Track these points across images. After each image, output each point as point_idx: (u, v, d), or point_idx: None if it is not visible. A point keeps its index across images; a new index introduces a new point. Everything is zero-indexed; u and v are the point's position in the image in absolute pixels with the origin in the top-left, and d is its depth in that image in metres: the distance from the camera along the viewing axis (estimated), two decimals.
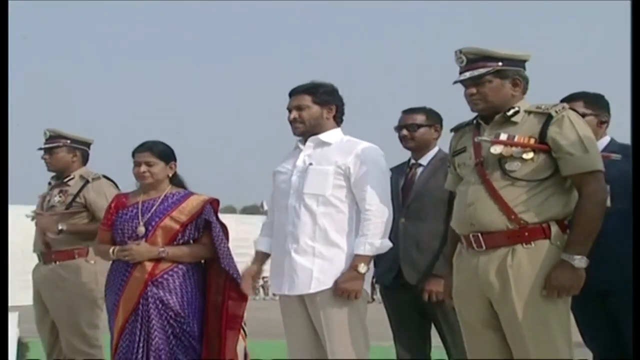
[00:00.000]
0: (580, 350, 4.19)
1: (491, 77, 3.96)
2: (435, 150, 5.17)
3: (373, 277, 4.76)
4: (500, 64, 3.97)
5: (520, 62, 4.05)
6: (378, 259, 4.90)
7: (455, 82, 4.03)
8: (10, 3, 4.89)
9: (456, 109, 4.51)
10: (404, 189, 5.17)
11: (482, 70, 3.95)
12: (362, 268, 4.39)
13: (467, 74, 3.97)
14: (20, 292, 6.59)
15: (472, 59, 3.97)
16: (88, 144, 6.36)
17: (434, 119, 5.16)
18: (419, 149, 5.19)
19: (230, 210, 48.08)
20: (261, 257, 4.77)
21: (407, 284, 4.93)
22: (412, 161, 5.24)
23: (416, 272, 4.79)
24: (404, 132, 5.21)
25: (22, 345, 8.31)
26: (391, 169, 5.13)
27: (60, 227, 5.92)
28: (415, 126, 5.19)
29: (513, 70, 4.01)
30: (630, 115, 3.62)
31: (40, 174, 6.39)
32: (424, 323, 5.11)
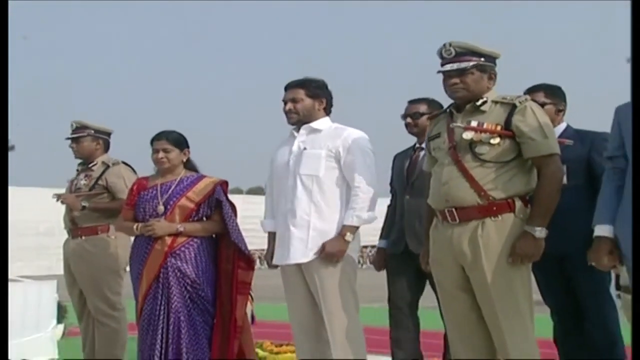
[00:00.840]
0: (540, 308, 4.21)
1: (474, 70, 3.95)
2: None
3: (363, 246, 4.76)
4: (482, 59, 3.98)
5: (495, 59, 4.06)
6: (389, 232, 5.12)
7: (440, 72, 4.01)
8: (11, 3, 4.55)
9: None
10: (409, 169, 5.16)
11: (468, 63, 3.95)
12: (348, 237, 4.40)
13: (455, 65, 3.95)
14: (58, 263, 6.59)
15: (460, 52, 3.96)
16: (109, 134, 6.36)
17: (435, 107, 5.08)
18: (422, 135, 5.10)
19: (238, 191, 48.14)
20: (273, 237, 4.75)
21: (412, 253, 4.90)
22: (417, 145, 5.22)
23: (419, 242, 4.75)
24: (409, 120, 5.23)
25: (60, 308, 8.35)
26: (397, 154, 5.27)
27: (83, 205, 5.95)
28: (419, 114, 5.18)
29: (490, 65, 4.02)
30: (631, 116, 3.52)
31: (70, 162, 6.40)
32: (421, 286, 5.14)
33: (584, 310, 4.80)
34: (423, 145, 5.08)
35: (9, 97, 4.16)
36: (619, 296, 6.53)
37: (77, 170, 6.34)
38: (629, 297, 6.44)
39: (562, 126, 4.81)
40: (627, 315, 6.13)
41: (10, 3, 4.07)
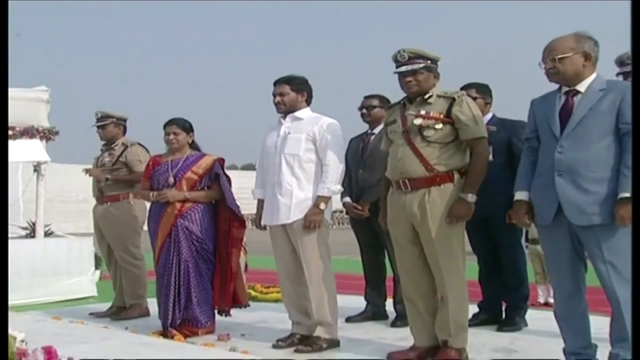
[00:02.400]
0: (470, 257, 4.23)
1: (423, 70, 3.90)
2: (382, 125, 5.01)
3: (334, 211, 4.69)
4: (429, 62, 3.92)
5: (437, 61, 3.99)
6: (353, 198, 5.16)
7: (396, 72, 3.94)
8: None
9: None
10: (362, 150, 5.22)
11: (419, 65, 3.89)
12: (322, 205, 4.32)
13: (409, 67, 3.89)
14: (91, 224, 6.48)
15: (412, 57, 3.90)
16: (126, 120, 6.29)
17: (385, 102, 5.13)
18: (373, 123, 5.24)
19: (234, 167, 47.99)
20: (261, 203, 4.64)
21: (367, 216, 5.04)
22: (369, 131, 5.29)
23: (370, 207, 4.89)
24: (364, 111, 5.29)
25: (97, 258, 8.29)
26: (352, 138, 5.30)
27: (107, 177, 5.97)
28: (372, 107, 5.25)
29: (434, 66, 3.97)
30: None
31: (95, 142, 6.37)
32: (380, 243, 5.17)
33: (501, 258, 4.89)
34: (374, 132, 5.23)
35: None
36: (527, 247, 6.63)
37: (102, 149, 6.28)
38: (534, 246, 6.56)
39: (489, 116, 4.86)
40: (532, 260, 6.28)
41: (10, 3, 3.70)
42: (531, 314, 4.88)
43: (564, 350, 3.42)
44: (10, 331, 2.02)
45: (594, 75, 3.34)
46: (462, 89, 4.55)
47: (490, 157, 4.38)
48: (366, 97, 5.30)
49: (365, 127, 5.31)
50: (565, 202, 3.25)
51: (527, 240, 6.59)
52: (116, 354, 3.59)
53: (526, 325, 4.76)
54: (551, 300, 5.95)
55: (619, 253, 3.20)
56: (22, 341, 2.04)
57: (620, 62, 4.05)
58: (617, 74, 4.00)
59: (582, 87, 3.32)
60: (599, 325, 3.41)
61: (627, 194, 3.11)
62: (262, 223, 4.59)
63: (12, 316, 3.71)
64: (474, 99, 4.33)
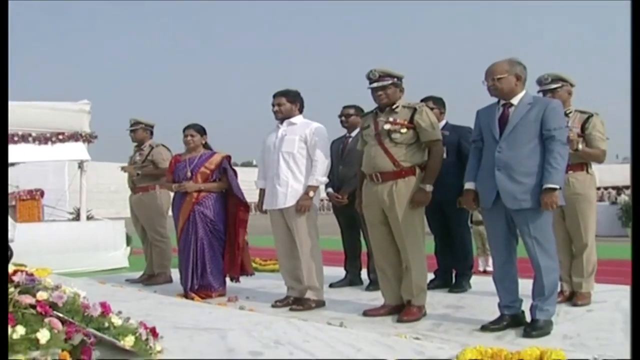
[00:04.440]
0: (429, 236, 4.18)
1: (391, 86, 3.87)
2: (358, 129, 4.99)
3: (322, 199, 4.66)
4: (395, 79, 3.89)
5: (402, 78, 3.94)
6: (331, 189, 5.10)
7: (369, 88, 3.90)
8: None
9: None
10: (342, 150, 5.14)
11: (388, 82, 3.86)
12: (311, 193, 4.30)
13: (380, 84, 3.85)
14: (124, 209, 6.60)
15: (381, 75, 3.87)
16: (153, 125, 6.27)
17: (359, 111, 5.05)
18: (350, 128, 5.16)
19: (249, 164, 47.42)
20: (262, 192, 4.62)
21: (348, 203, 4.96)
22: (347, 135, 5.21)
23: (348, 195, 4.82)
24: (343, 118, 5.20)
25: (128, 237, 8.32)
26: (334, 140, 5.16)
27: (137, 172, 6.00)
28: (349, 115, 5.16)
29: (400, 83, 3.94)
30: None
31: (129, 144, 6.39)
32: (356, 225, 5.15)
33: (452, 235, 4.89)
34: (351, 135, 5.13)
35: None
36: (471, 227, 6.70)
37: (134, 150, 6.27)
38: (477, 227, 6.61)
39: (443, 122, 4.83)
40: (474, 238, 6.35)
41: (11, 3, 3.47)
42: (474, 279, 4.91)
43: (499, 305, 3.47)
44: (76, 290, 2.08)
45: (523, 92, 3.40)
46: (422, 100, 4.55)
47: (445, 156, 4.43)
48: (344, 107, 5.21)
49: (343, 131, 5.25)
50: (502, 191, 3.30)
51: (471, 222, 6.67)
52: (151, 310, 3.61)
53: (470, 287, 4.79)
54: (489, 269, 6.04)
55: (542, 230, 3.28)
56: (84, 297, 2.10)
57: (539, 82, 4.08)
58: (538, 92, 4.02)
59: (515, 100, 3.37)
60: (524, 286, 3.47)
61: (550, 185, 3.19)
62: (264, 208, 4.57)
63: (70, 280, 3.76)
64: (431, 109, 4.30)
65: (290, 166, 4.34)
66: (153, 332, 2.27)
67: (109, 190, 33.97)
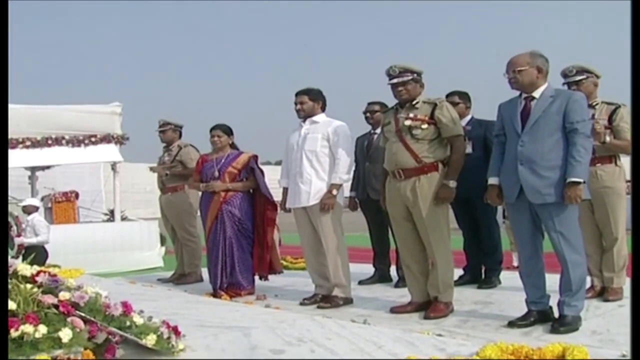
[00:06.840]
0: (456, 232, 4.22)
1: (411, 82, 3.88)
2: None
3: (346, 197, 4.66)
4: (415, 74, 3.90)
5: (421, 74, 3.94)
6: (357, 186, 5.18)
7: (389, 84, 3.91)
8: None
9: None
10: (368, 146, 5.16)
11: (408, 77, 3.87)
12: (334, 191, 4.33)
13: (400, 79, 3.86)
14: (157, 210, 6.68)
15: (401, 71, 3.87)
16: (182, 126, 6.34)
17: (384, 106, 5.02)
18: (375, 124, 5.15)
19: (267, 162, 47.69)
20: (285, 191, 4.67)
21: (372, 199, 4.96)
22: (372, 131, 5.21)
23: (376, 193, 4.74)
24: (368, 115, 5.23)
25: (162, 237, 8.50)
26: (359, 137, 5.20)
27: (166, 172, 6.05)
28: (374, 111, 5.18)
29: (420, 78, 3.94)
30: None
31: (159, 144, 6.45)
32: (384, 221, 5.09)
33: (480, 230, 4.86)
34: (376, 132, 5.13)
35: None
36: (504, 222, 6.63)
37: (163, 150, 6.34)
38: (508, 222, 6.53)
39: (468, 117, 4.80)
40: (507, 232, 6.26)
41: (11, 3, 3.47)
42: (505, 275, 4.87)
43: (526, 301, 3.46)
44: (98, 290, 2.18)
45: (545, 85, 3.37)
46: (447, 95, 4.54)
47: (470, 149, 4.39)
48: (369, 103, 5.24)
49: (368, 127, 5.26)
50: (525, 185, 3.29)
51: (504, 217, 6.59)
52: (178, 309, 3.67)
53: (500, 283, 4.76)
54: None
55: (567, 225, 3.25)
56: (106, 297, 2.20)
57: (564, 75, 4.03)
58: (563, 84, 3.98)
59: (536, 94, 3.35)
60: (551, 281, 3.45)
61: (573, 179, 3.15)
62: (287, 206, 4.62)
63: (99, 280, 3.88)
64: (457, 103, 4.28)
65: (314, 164, 4.38)
66: (175, 330, 2.34)
67: (145, 190, 34.53)
